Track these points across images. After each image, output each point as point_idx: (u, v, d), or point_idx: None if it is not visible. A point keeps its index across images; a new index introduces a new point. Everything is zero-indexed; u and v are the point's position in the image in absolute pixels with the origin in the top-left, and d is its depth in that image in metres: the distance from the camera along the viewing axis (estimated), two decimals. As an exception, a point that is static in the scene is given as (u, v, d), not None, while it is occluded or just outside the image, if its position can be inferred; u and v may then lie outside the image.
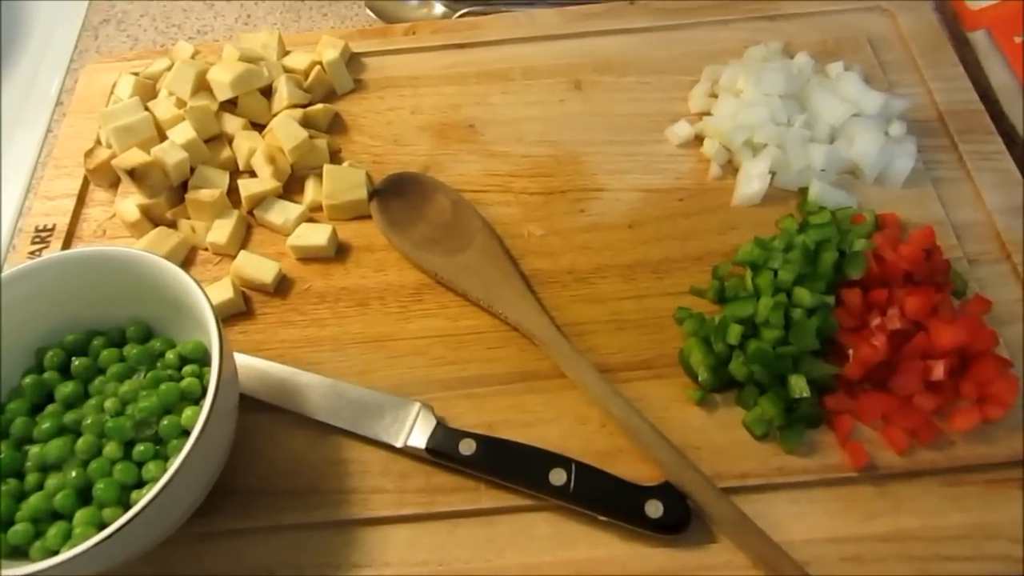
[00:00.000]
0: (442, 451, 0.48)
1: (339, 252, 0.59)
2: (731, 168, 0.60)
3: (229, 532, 0.48)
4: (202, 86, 0.65)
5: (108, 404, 0.48)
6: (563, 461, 0.46)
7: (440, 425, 0.49)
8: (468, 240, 0.57)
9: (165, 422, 0.47)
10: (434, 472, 0.49)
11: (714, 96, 0.63)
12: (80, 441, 0.46)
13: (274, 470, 0.50)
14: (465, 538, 0.47)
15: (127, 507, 0.45)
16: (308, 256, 0.59)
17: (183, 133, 0.61)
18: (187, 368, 0.50)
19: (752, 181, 0.57)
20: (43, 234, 0.62)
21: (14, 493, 0.46)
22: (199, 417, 0.43)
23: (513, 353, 0.53)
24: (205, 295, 0.47)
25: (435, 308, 0.56)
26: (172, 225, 0.61)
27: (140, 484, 0.46)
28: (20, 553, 0.45)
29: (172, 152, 0.60)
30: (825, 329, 0.49)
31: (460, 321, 0.55)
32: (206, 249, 0.60)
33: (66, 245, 0.62)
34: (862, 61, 0.64)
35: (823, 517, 0.46)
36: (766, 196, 0.58)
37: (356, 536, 0.48)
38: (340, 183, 0.60)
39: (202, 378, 0.49)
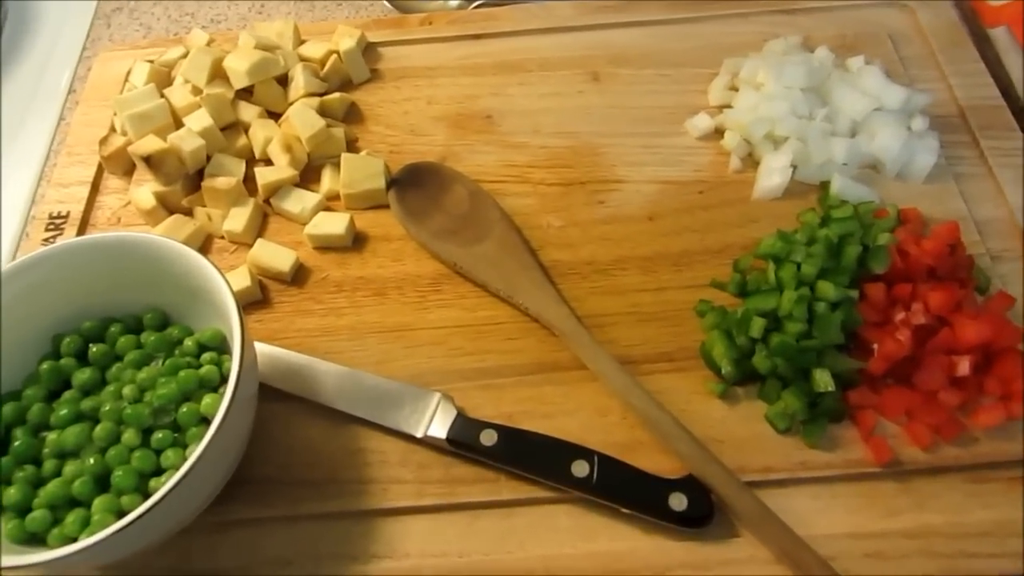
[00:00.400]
0: (463, 442, 0.48)
1: (356, 241, 0.59)
2: (751, 161, 0.60)
3: (246, 521, 0.48)
4: (218, 74, 0.64)
5: (126, 391, 0.47)
6: (586, 453, 0.46)
7: (460, 416, 0.49)
8: (486, 231, 0.57)
9: (184, 409, 0.46)
10: (453, 463, 0.49)
11: (734, 89, 0.63)
12: (98, 428, 0.46)
13: (291, 459, 0.50)
14: (485, 530, 0.47)
15: (145, 495, 0.45)
16: (325, 245, 0.58)
17: (199, 120, 0.61)
18: (205, 356, 0.49)
19: (773, 174, 0.57)
20: (57, 221, 0.62)
21: (31, 480, 0.45)
22: (220, 405, 0.42)
23: (532, 344, 0.53)
24: (226, 282, 0.46)
25: (453, 298, 0.55)
26: (188, 213, 0.61)
27: (158, 472, 0.45)
28: (38, 540, 0.44)
29: (189, 139, 0.60)
30: (849, 323, 0.48)
31: (478, 312, 0.54)
32: (222, 237, 0.60)
33: (80, 232, 0.61)
34: (882, 56, 0.64)
35: (846, 512, 0.46)
36: (786, 190, 0.57)
37: (375, 526, 0.47)
38: (358, 172, 0.59)
39: (220, 366, 0.49)
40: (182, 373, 0.47)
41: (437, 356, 0.53)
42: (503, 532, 0.46)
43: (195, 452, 0.41)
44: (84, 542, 0.39)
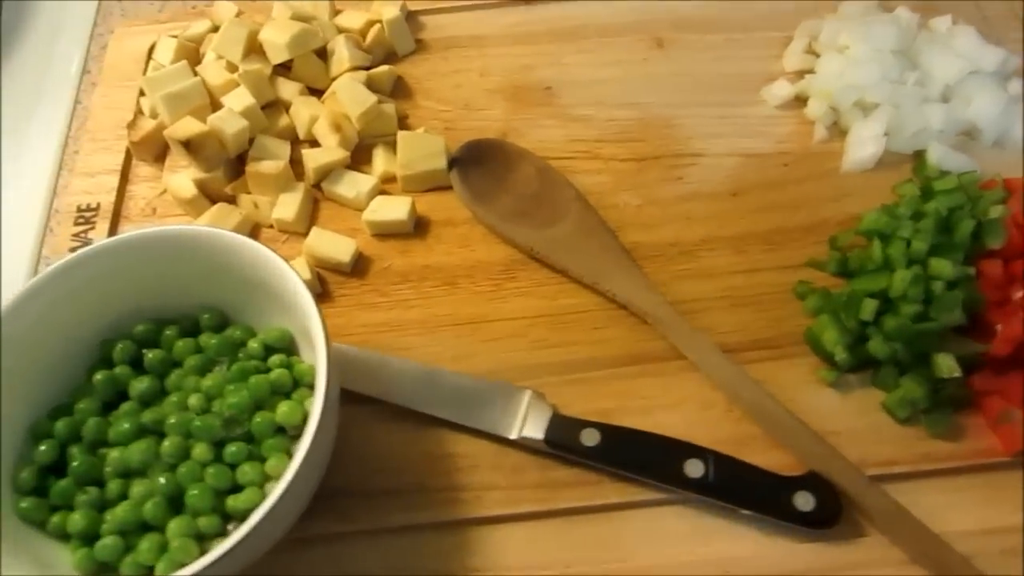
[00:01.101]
0: (562, 443, 0.44)
1: (418, 227, 0.54)
2: (837, 131, 0.56)
3: (326, 537, 0.44)
4: (252, 48, 0.59)
5: (192, 401, 0.43)
6: (699, 451, 0.43)
7: (556, 414, 0.45)
8: (562, 211, 0.53)
9: (258, 419, 0.42)
10: (550, 465, 0.45)
11: (812, 54, 0.59)
12: (165, 443, 0.42)
13: (371, 468, 0.46)
14: (590, 537, 0.43)
15: (223, 515, 0.41)
16: (385, 232, 0.54)
17: (240, 99, 0.56)
18: (273, 359, 0.45)
19: (865, 144, 0.53)
20: (87, 214, 0.57)
21: (95, 503, 0.41)
22: (307, 411, 0.38)
23: (622, 333, 0.49)
24: (298, 276, 0.42)
25: (530, 286, 0.51)
26: (231, 201, 0.56)
27: (234, 489, 0.42)
28: (108, 569, 0.40)
29: (230, 120, 0.55)
30: (970, 303, 0.45)
31: (559, 300, 0.51)
32: (270, 226, 0.55)
33: (113, 225, 0.57)
34: (964, 16, 0.60)
35: (977, 507, 0.43)
36: (877, 161, 0.54)
37: (468, 537, 0.44)
38: (416, 151, 0.55)
39: (291, 368, 0.45)
40: (253, 379, 0.43)
41: (519, 349, 0.49)
42: (610, 538, 0.43)
43: (292, 465, 0.37)
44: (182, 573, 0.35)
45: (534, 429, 0.44)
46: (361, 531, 0.44)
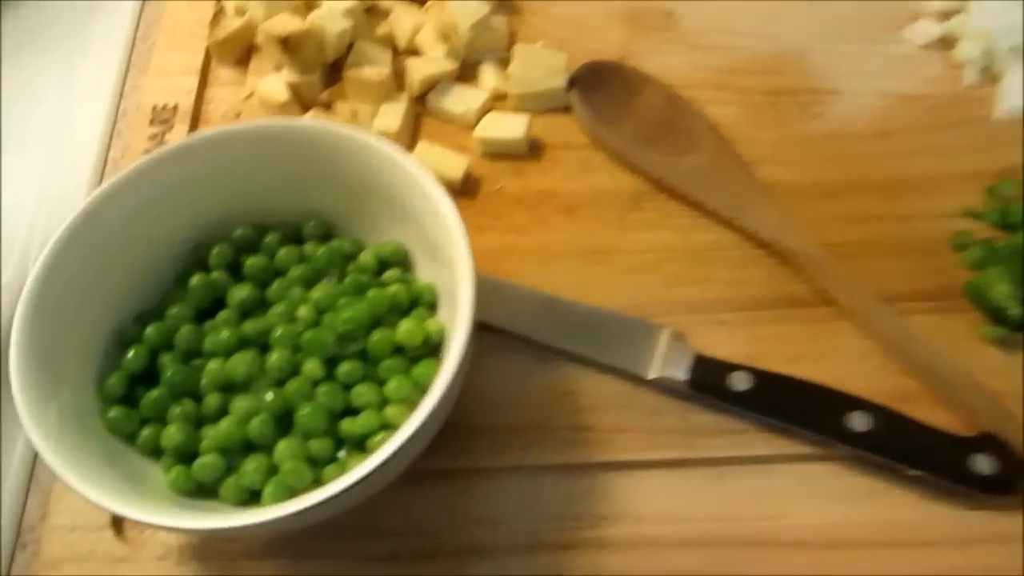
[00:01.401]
0: (709, 386, 0.40)
1: (532, 149, 0.50)
2: (988, 75, 0.51)
3: (442, 473, 0.40)
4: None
5: (301, 312, 0.38)
6: (865, 404, 0.38)
7: (702, 355, 0.40)
8: (694, 140, 0.48)
9: (376, 337, 0.38)
10: (689, 409, 0.41)
11: (962, -8, 0.54)
12: (274, 356, 0.37)
13: (490, 402, 0.41)
14: (735, 491, 0.39)
15: (335, 438, 0.36)
16: (497, 151, 0.49)
17: (342, -1, 0.51)
18: (388, 274, 0.41)
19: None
20: (163, 114, 0.52)
21: (191, 417, 0.37)
22: (459, 328, 0.34)
23: (762, 274, 0.45)
24: (434, 179, 0.38)
25: (659, 218, 0.47)
26: (326, 108, 0.51)
27: (348, 412, 0.37)
28: (206, 492, 0.36)
29: (333, 20, 0.50)
30: None
31: (692, 235, 0.46)
32: (369, 139, 0.50)
33: (192, 128, 0.52)
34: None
35: None
36: (1034, 109, 0.49)
37: (599, 483, 0.39)
38: (535, 68, 0.50)
39: (408, 285, 0.40)
40: (372, 293, 0.39)
41: (650, 284, 0.45)
42: (759, 494, 0.39)
43: (438, 385, 0.32)
44: (308, 500, 0.30)
45: (676, 369, 0.40)
46: (479, 468, 0.40)
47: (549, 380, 0.42)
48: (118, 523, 0.39)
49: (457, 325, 0.34)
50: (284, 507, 0.30)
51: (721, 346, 0.42)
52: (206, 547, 0.38)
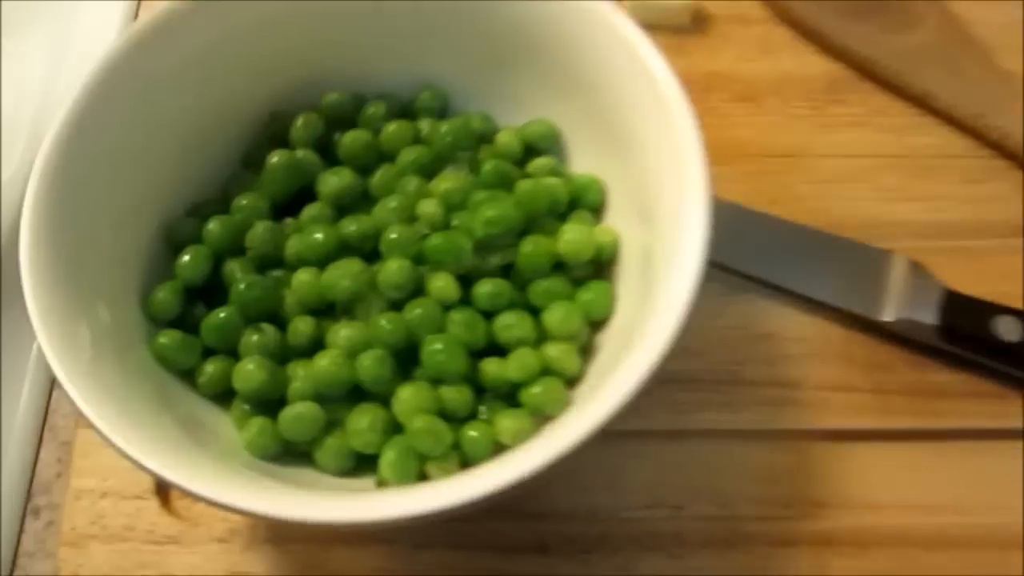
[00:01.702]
0: (965, 333, 0.29)
1: (696, 23, 0.38)
2: None
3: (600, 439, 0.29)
4: None
5: (425, 208, 0.27)
6: None
7: (953, 293, 0.30)
8: (915, 15, 0.37)
9: (529, 247, 0.27)
10: (929, 365, 0.30)
11: None
12: (390, 267, 0.26)
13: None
14: (999, 473, 0.29)
15: (474, 384, 0.26)
16: (654, 24, 0.37)
17: None
18: (537, 163, 0.30)
19: None
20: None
21: (273, 350, 0.26)
22: (687, 245, 0.23)
23: (1011, 192, 0.34)
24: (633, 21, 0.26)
25: (866, 114, 0.36)
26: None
27: (489, 351, 0.26)
28: (297, 454, 0.25)
29: None
30: None
31: (914, 137, 0.35)
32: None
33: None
34: None
35: None
36: None
37: (809, 456, 0.29)
38: (701, -87, 0.38)
39: (567, 179, 0.29)
40: (523, 185, 0.28)
41: (861, 197, 0.34)
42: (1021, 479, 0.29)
43: (668, 323, 0.22)
44: (491, 478, 0.20)
45: (918, 311, 0.30)
46: (651, 432, 0.30)
47: (742, 318, 0.31)
48: (164, 491, 0.28)
49: (684, 239, 0.23)
50: (443, 490, 0.20)
51: (962, 282, 0.31)
52: (287, 528, 0.28)
